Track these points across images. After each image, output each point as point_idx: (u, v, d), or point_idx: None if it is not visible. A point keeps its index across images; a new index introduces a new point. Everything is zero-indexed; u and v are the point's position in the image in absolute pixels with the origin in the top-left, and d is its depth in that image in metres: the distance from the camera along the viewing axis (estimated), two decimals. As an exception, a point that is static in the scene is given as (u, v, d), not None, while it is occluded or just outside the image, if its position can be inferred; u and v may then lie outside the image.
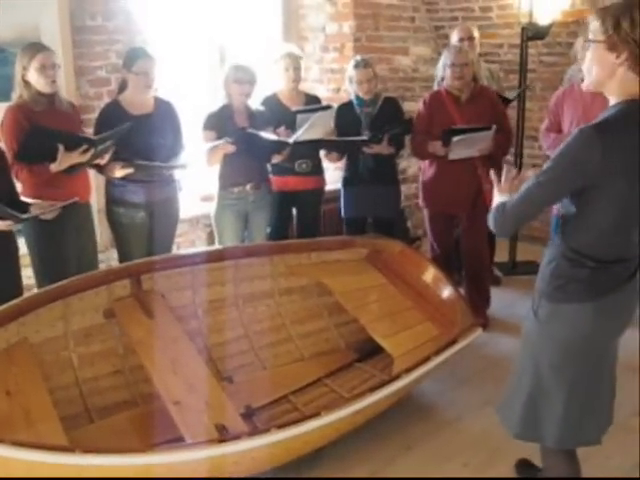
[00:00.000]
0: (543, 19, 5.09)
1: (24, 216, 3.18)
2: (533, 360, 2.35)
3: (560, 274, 2.22)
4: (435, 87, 4.50)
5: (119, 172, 3.70)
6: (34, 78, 3.46)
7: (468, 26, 5.13)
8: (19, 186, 3.52)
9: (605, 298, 2.19)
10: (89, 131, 3.98)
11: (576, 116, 4.06)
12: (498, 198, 2.33)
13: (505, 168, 2.44)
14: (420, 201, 4.64)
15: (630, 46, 1.94)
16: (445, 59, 4.28)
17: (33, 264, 3.65)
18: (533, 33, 5.11)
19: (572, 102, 4.16)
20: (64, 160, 3.42)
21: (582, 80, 2.19)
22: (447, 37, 6.11)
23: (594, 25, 2.02)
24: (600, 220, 2.12)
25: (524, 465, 3.03)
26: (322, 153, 4.63)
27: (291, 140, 3.99)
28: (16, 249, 3.44)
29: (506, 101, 4.89)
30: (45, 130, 3.41)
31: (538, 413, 2.37)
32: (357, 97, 4.49)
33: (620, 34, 1.95)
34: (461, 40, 4.86)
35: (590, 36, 2.04)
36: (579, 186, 2.08)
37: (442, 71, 4.32)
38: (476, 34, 5.00)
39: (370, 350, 3.82)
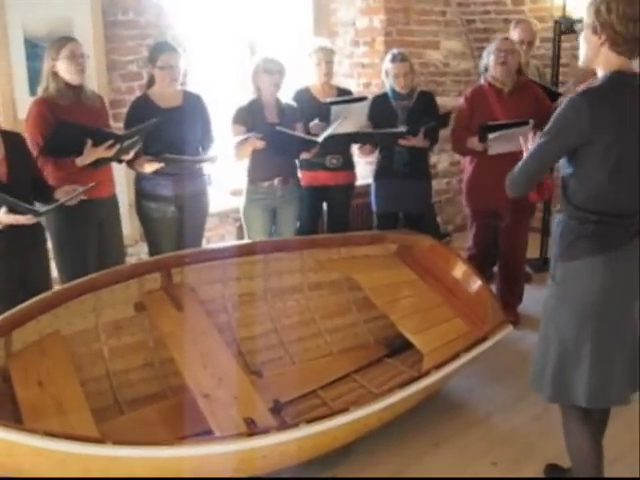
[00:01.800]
0: (577, 13, 5.01)
1: (43, 210, 3.17)
2: (555, 324, 2.48)
3: (568, 233, 2.42)
4: (482, 81, 4.42)
5: (149, 167, 3.72)
6: (63, 67, 3.47)
7: (532, 28, 4.99)
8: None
9: (614, 252, 2.36)
10: (119, 125, 4.01)
11: None
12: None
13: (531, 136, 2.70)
14: (463, 199, 4.60)
15: (607, 29, 2.27)
16: (490, 46, 4.24)
17: (55, 258, 3.67)
18: (566, 27, 5.03)
19: None
20: (90, 155, 3.44)
21: None
22: (479, 31, 6.10)
23: (585, 14, 2.36)
24: (595, 175, 2.34)
25: (553, 469, 3.00)
26: (354, 147, 4.62)
27: (321, 138, 3.97)
28: (45, 241, 3.47)
29: (555, 95, 4.82)
30: (71, 125, 3.42)
31: (567, 374, 2.46)
32: (393, 90, 4.46)
33: (599, 19, 2.28)
34: (521, 42, 4.76)
35: (584, 25, 2.38)
36: (573, 143, 2.34)
37: (486, 59, 4.27)
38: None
39: (399, 346, 3.81)
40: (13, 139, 3.29)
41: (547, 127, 2.40)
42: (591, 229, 2.37)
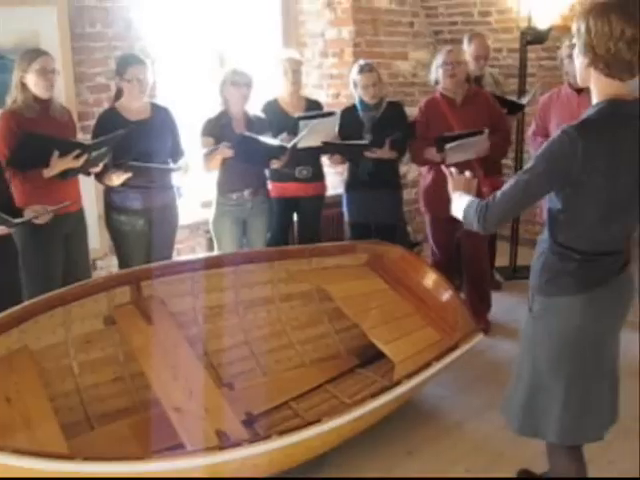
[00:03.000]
0: (542, 23, 5.08)
1: (17, 220, 3.15)
2: (531, 355, 2.39)
3: (550, 268, 2.30)
4: (436, 93, 4.49)
5: (116, 179, 3.69)
6: (32, 81, 3.46)
7: (486, 42, 5.03)
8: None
9: (595, 290, 2.24)
10: (87, 137, 3.98)
11: (563, 120, 4.04)
12: (462, 198, 2.45)
13: (467, 173, 2.58)
14: (421, 206, 4.65)
15: (588, 52, 2.08)
16: (437, 59, 4.32)
17: (22, 271, 3.63)
18: (532, 37, 5.10)
19: (559, 106, 4.21)
20: (57, 165, 3.42)
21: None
22: (446, 42, 6.14)
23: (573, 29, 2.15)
24: (583, 216, 2.20)
25: (525, 475, 3.02)
26: (324, 157, 4.63)
27: (289, 144, 3.98)
28: (16, 254, 3.43)
29: (518, 107, 4.89)
30: (37, 136, 3.40)
31: (538, 408, 2.39)
32: (361, 102, 4.48)
33: (580, 40, 2.10)
34: (477, 57, 4.85)
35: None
36: (561, 184, 2.17)
37: (435, 73, 4.34)
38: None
39: (371, 356, 3.81)
40: None
41: (532, 162, 2.21)
42: (573, 267, 2.25)
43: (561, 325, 2.29)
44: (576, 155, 2.07)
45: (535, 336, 2.37)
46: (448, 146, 4.07)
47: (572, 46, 2.23)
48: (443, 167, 2.69)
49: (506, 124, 4.52)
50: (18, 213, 3.27)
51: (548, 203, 2.31)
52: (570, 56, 4.21)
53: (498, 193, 2.27)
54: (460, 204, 2.45)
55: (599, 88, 2.14)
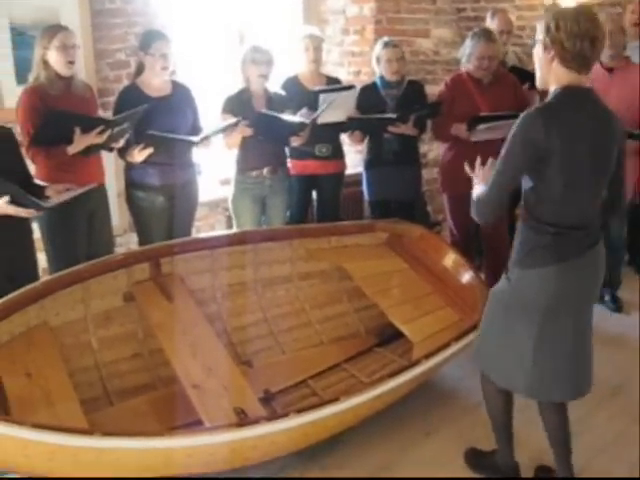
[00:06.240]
0: (567, 1, 5.00)
1: (47, 205, 3.16)
2: (504, 312, 2.64)
3: (527, 242, 2.54)
4: (461, 69, 4.43)
5: (138, 156, 3.68)
6: (53, 58, 3.44)
7: (509, 17, 5.01)
8: (33, 169, 3.51)
9: (567, 262, 2.49)
10: (107, 114, 3.98)
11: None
12: (478, 189, 2.65)
13: (489, 162, 2.72)
14: (439, 185, 4.61)
15: (556, 45, 2.39)
16: (472, 48, 4.21)
17: (46, 249, 3.65)
18: (557, 15, 5.01)
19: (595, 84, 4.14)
20: (80, 142, 3.41)
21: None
22: (469, 19, 6.07)
23: (537, 31, 2.48)
24: (551, 191, 2.45)
25: (474, 452, 3.11)
26: (344, 135, 4.60)
27: (309, 120, 3.95)
28: (30, 233, 3.44)
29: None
30: (61, 113, 3.40)
31: (509, 365, 2.64)
32: (382, 79, 4.46)
33: (549, 35, 2.40)
34: (501, 32, 4.77)
35: (536, 41, 2.49)
36: (531, 162, 2.43)
37: (467, 58, 4.27)
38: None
39: (390, 335, 3.81)
40: (3, 133, 3.28)
41: (503, 150, 2.47)
42: (547, 240, 2.49)
43: (536, 293, 2.52)
44: (539, 131, 2.37)
45: (510, 301, 2.61)
46: (481, 126, 4.03)
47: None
48: (476, 167, 2.77)
49: (530, 106, 4.46)
50: (39, 190, 3.28)
51: (523, 187, 2.54)
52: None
53: (486, 187, 2.54)
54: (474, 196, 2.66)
55: (558, 78, 2.45)
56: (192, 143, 3.82)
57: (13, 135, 3.37)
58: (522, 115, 2.44)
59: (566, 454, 2.78)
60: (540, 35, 2.44)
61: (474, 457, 3.08)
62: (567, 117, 2.40)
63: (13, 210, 3.04)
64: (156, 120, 3.68)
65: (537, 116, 2.40)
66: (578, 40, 2.35)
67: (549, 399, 2.71)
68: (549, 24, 2.39)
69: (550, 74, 2.47)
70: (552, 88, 2.49)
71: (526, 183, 2.52)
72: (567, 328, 2.57)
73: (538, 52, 2.49)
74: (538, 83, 2.57)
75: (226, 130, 3.90)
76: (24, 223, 3.30)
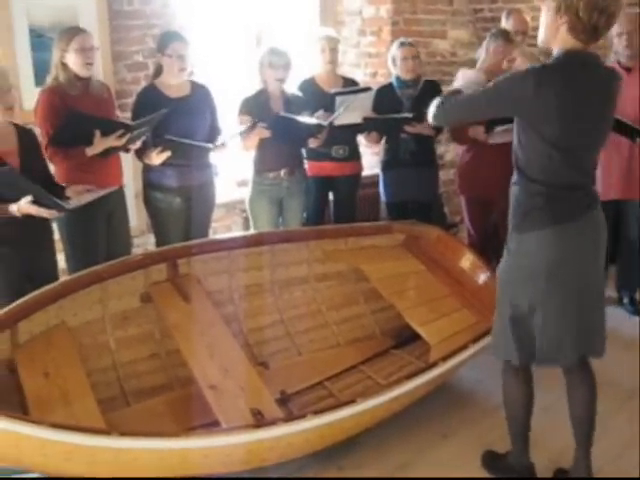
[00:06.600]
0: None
1: (69, 206, 3.18)
2: (507, 289, 2.63)
3: (521, 205, 2.53)
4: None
5: (156, 158, 3.69)
6: (72, 60, 3.46)
7: (524, 18, 4.99)
8: (52, 169, 3.53)
9: (563, 225, 2.47)
10: (125, 115, 3.99)
11: None
12: (451, 90, 2.75)
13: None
14: (457, 187, 4.60)
15: (570, 13, 2.35)
16: (490, 39, 4.20)
17: (65, 249, 3.66)
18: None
19: None
20: (100, 144, 3.43)
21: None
22: (486, 20, 6.04)
23: None
24: (540, 151, 2.45)
25: (491, 455, 3.08)
26: (361, 136, 4.59)
27: (326, 122, 3.95)
28: (51, 233, 3.47)
29: None
30: (82, 115, 3.41)
31: (520, 336, 2.62)
32: (397, 79, 4.46)
33: (567, 1, 2.35)
34: (516, 33, 4.75)
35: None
36: (510, 114, 2.50)
37: (485, 57, 4.23)
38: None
39: (407, 337, 3.79)
40: (26, 133, 3.31)
41: (494, 82, 2.50)
42: (542, 202, 2.47)
43: (534, 257, 2.51)
44: (527, 93, 2.36)
45: (511, 270, 2.61)
46: (499, 129, 4.01)
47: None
48: None
49: None
50: (60, 191, 3.30)
51: (513, 146, 2.56)
52: (620, 35, 4.14)
53: (461, 95, 2.60)
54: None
55: (562, 43, 2.43)
56: (209, 149, 3.84)
57: (35, 136, 3.39)
58: (518, 72, 2.48)
59: (588, 437, 2.75)
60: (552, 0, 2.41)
61: (491, 459, 3.05)
62: (564, 81, 2.38)
63: (35, 210, 3.06)
64: (175, 121, 3.69)
65: (529, 78, 2.38)
66: (595, 12, 2.32)
67: (557, 364, 2.70)
68: None
69: (555, 37, 2.45)
70: (555, 50, 2.47)
71: (515, 144, 2.54)
72: (572, 292, 2.54)
73: (548, 12, 2.45)
74: (539, 40, 2.54)
75: (244, 133, 3.91)
76: (45, 223, 3.32)
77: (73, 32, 3.51)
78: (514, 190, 2.58)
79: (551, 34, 2.46)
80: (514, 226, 2.57)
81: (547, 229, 2.47)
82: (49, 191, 3.14)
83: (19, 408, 2.69)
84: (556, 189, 2.47)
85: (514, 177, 2.59)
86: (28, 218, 3.08)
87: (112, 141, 3.45)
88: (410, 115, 4.23)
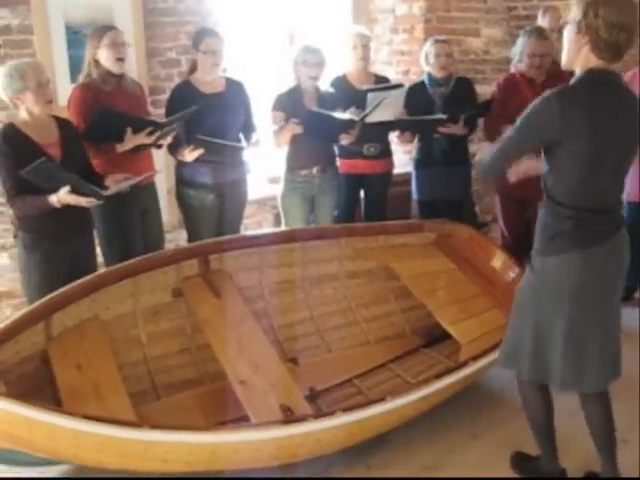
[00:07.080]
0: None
1: (107, 193, 3.21)
2: (532, 306, 2.59)
3: (548, 228, 2.51)
4: (512, 69, 4.39)
5: (189, 156, 3.71)
6: (104, 56, 3.50)
7: (561, 15, 4.91)
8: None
9: (590, 249, 2.45)
10: (158, 112, 4.02)
11: None
12: (486, 149, 2.76)
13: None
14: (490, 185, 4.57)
15: (591, 32, 2.34)
16: (523, 46, 4.16)
17: (101, 247, 3.71)
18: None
19: (636, 88, 4.06)
20: (130, 141, 3.48)
21: None
22: (520, 18, 5.99)
23: (572, 10, 2.41)
24: (570, 173, 2.42)
25: (521, 456, 3.05)
26: (393, 135, 4.58)
27: (358, 118, 3.94)
28: (93, 225, 3.53)
29: None
30: (114, 113, 3.45)
31: (543, 356, 2.59)
32: (430, 77, 4.45)
33: (586, 20, 2.34)
34: (552, 30, 4.71)
35: (569, 19, 2.44)
36: (541, 141, 2.46)
37: (519, 57, 4.22)
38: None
39: (436, 336, 3.77)
40: (66, 125, 3.36)
41: (518, 121, 2.47)
42: (569, 226, 2.45)
43: (560, 281, 2.49)
44: (553, 116, 2.34)
45: (536, 289, 2.57)
46: None
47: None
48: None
49: None
50: (99, 180, 3.34)
51: (543, 173, 2.54)
52: None
53: (492, 151, 2.59)
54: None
55: (586, 63, 2.41)
56: (241, 149, 3.86)
57: (74, 127, 3.43)
58: (540, 97, 2.41)
59: (610, 449, 2.72)
60: (576, 17, 2.38)
61: (520, 461, 3.03)
62: (589, 100, 2.36)
63: (73, 199, 3.09)
64: (209, 117, 3.71)
65: (553, 100, 2.36)
66: (615, 30, 2.31)
67: (580, 390, 2.65)
68: (588, 9, 2.33)
69: (578, 57, 2.43)
70: (577, 71, 2.45)
71: (545, 165, 2.51)
72: (595, 318, 2.52)
73: (570, 33, 2.43)
74: (563, 63, 2.52)
75: (277, 132, 3.92)
76: (87, 215, 3.38)
77: (104, 29, 3.56)
78: (541, 214, 2.57)
79: (574, 55, 2.44)
80: (539, 249, 2.55)
81: (574, 253, 2.45)
82: (89, 181, 3.19)
83: (52, 400, 2.73)
84: (585, 213, 2.44)
85: (544, 203, 2.56)
86: (68, 209, 3.12)
87: (142, 138, 3.49)
88: (444, 116, 4.21)
